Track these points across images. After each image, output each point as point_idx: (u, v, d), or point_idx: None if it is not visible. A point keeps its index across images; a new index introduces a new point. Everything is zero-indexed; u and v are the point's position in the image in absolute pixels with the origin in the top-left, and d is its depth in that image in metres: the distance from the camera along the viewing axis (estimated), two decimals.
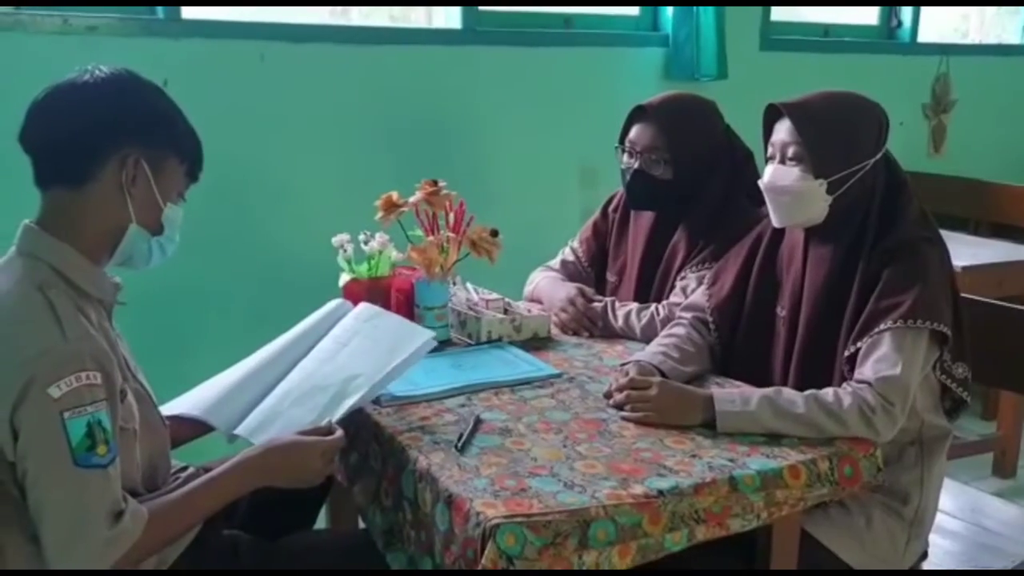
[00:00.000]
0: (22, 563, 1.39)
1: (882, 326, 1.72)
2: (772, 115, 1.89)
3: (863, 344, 1.74)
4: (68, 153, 1.45)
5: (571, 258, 2.50)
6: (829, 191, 1.80)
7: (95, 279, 1.49)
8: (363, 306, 1.95)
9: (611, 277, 2.42)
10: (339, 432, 1.61)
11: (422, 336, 1.80)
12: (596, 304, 2.26)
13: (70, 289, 1.43)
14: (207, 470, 1.74)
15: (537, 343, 2.17)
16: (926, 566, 1.95)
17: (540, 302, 2.38)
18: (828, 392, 1.70)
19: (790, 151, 1.83)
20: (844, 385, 1.73)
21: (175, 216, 1.56)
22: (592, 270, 2.47)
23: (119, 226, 1.50)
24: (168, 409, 1.71)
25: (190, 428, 1.74)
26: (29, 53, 2.49)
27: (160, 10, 2.75)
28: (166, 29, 2.73)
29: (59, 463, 1.33)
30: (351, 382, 1.71)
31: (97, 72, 1.48)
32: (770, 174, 1.86)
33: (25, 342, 1.34)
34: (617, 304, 2.25)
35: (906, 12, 4.32)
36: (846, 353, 1.77)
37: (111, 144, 1.46)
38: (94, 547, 1.35)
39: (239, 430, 1.71)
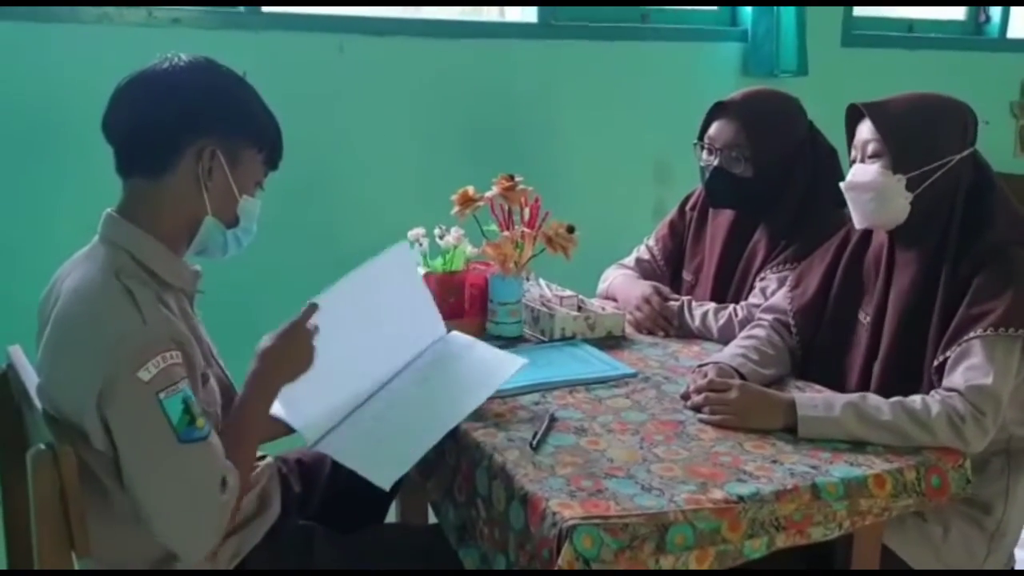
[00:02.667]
0: (109, 545, 1.41)
1: (972, 334, 1.67)
2: (854, 116, 1.86)
3: (952, 352, 1.68)
4: (146, 144, 1.47)
5: (646, 256, 2.47)
6: (909, 188, 1.75)
7: (175, 268, 1.50)
8: (455, 334, 1.92)
9: (687, 276, 2.38)
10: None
11: (514, 364, 1.78)
12: (672, 303, 2.22)
13: (150, 278, 1.45)
14: (284, 460, 1.77)
15: (611, 342, 2.15)
16: None
17: (614, 300, 2.35)
18: (916, 399, 1.65)
19: (870, 148, 1.80)
20: (932, 393, 1.67)
21: (251, 208, 1.56)
22: (668, 269, 2.44)
23: (195, 217, 1.51)
24: None
25: (272, 428, 1.73)
26: (115, 45, 2.54)
27: (242, 8, 2.79)
28: (247, 21, 2.76)
29: (164, 444, 1.34)
30: (445, 410, 1.68)
31: (176, 61, 1.49)
32: (851, 174, 1.84)
33: (106, 330, 1.35)
34: (694, 304, 2.21)
35: (995, 7, 4.18)
36: (935, 363, 1.71)
37: (188, 136, 1.46)
38: (213, 516, 1.39)
39: (331, 452, 1.66)
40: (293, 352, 1.55)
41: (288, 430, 1.69)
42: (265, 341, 1.55)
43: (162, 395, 1.34)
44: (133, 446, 1.34)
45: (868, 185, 1.78)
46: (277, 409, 1.68)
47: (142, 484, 1.35)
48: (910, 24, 4.06)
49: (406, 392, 1.76)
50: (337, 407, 1.71)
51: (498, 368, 1.78)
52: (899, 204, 1.77)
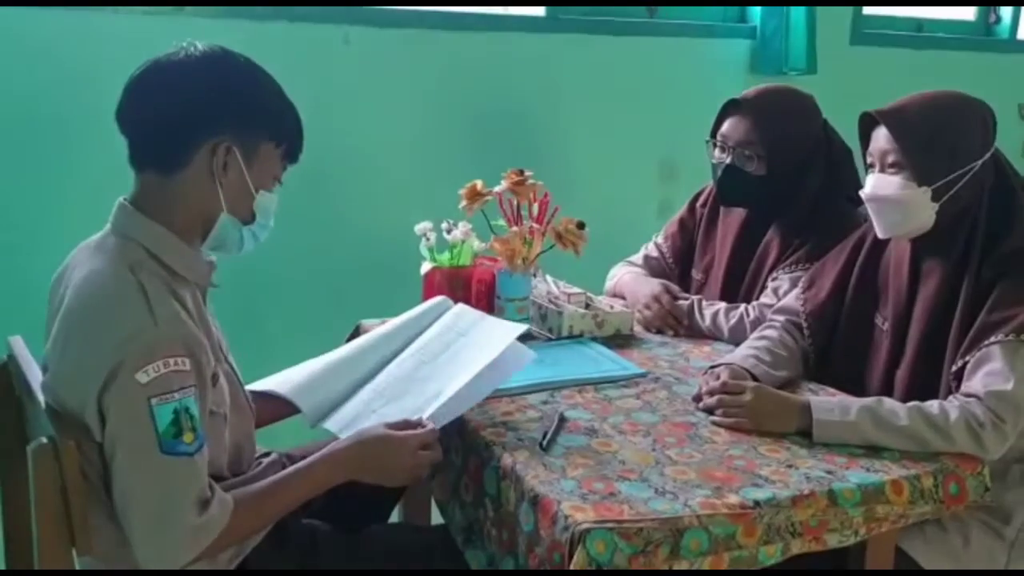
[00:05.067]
0: (110, 543, 1.38)
1: (992, 339, 1.64)
2: (868, 123, 1.81)
3: (971, 358, 1.65)
4: (161, 138, 1.43)
5: (655, 254, 2.44)
6: (935, 198, 1.72)
7: (189, 261, 1.46)
8: (462, 307, 1.89)
9: (697, 275, 2.35)
10: (430, 425, 1.58)
11: (515, 329, 1.75)
12: (682, 302, 2.19)
13: (163, 271, 1.41)
14: (289, 456, 1.74)
15: (619, 340, 2.12)
16: None
17: (622, 297, 2.32)
18: (933, 405, 1.62)
19: (890, 159, 1.75)
20: (950, 398, 1.65)
21: (268, 203, 1.52)
22: (677, 267, 2.41)
23: (210, 213, 1.47)
24: (253, 386, 1.69)
25: (273, 409, 1.72)
26: (117, 32, 2.50)
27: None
28: (251, 12, 2.72)
29: (145, 450, 1.31)
30: (446, 383, 1.66)
31: (192, 51, 1.45)
32: (871, 184, 1.78)
33: (116, 324, 1.32)
34: (704, 303, 2.18)
35: (1006, 7, 4.15)
36: (953, 368, 1.68)
37: (202, 132, 1.42)
38: (182, 534, 1.33)
39: (329, 425, 1.67)
40: (390, 462, 1.54)
41: (288, 412, 1.70)
42: (374, 428, 1.55)
43: (154, 401, 1.30)
44: (117, 443, 1.32)
45: (893, 198, 1.74)
46: (278, 386, 1.72)
47: (118, 482, 1.33)
48: (919, 24, 4.03)
49: (409, 370, 1.75)
50: (341, 388, 1.74)
51: (505, 365, 1.73)
52: (926, 215, 1.73)
